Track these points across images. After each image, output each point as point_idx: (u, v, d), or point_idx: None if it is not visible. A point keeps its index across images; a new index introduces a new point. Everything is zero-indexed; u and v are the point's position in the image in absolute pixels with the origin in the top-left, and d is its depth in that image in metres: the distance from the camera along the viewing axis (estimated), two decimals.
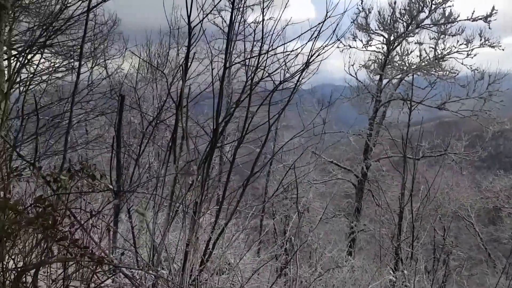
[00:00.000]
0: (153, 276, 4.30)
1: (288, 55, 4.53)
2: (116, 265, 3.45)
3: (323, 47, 4.67)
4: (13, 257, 3.20)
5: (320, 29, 4.67)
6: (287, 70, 5.03)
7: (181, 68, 5.41)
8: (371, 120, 15.67)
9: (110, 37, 11.03)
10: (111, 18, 10.91)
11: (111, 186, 4.25)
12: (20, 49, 8.63)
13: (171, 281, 4.08)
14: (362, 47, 15.83)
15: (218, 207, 5.71)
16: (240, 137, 4.91)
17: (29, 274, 3.53)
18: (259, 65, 4.70)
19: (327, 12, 4.68)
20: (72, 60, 10.02)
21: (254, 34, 5.11)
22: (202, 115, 13.00)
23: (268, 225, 14.34)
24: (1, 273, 3.23)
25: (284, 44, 4.97)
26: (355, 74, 16.03)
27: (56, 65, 9.56)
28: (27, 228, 2.99)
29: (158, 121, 6.08)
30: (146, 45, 12.68)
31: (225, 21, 12.33)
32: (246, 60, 4.74)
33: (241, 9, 5.44)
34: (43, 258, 3.38)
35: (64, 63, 9.78)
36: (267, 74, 4.89)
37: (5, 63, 7.04)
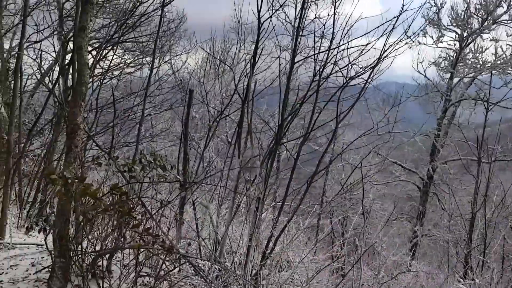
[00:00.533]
0: (217, 268, 4.37)
1: (361, 50, 4.37)
2: (184, 255, 3.53)
3: (397, 42, 4.47)
4: (92, 241, 3.38)
5: (394, 24, 4.48)
6: (350, 66, 4.90)
7: (246, 62, 5.44)
8: (440, 120, 14.88)
9: (176, 34, 11.35)
10: (178, 15, 11.22)
11: (179, 178, 4.37)
12: (95, 45, 9.12)
13: (234, 273, 4.11)
14: (432, 44, 15.07)
15: (280, 203, 5.69)
16: (306, 134, 4.84)
17: (104, 258, 3.72)
18: (328, 60, 4.59)
19: (403, 6, 4.48)
20: (142, 56, 10.46)
21: (324, 29, 5.01)
22: (261, 110, 13.03)
23: (326, 225, 14.10)
24: (80, 256, 3.43)
25: (349, 40, 4.83)
26: (424, 71, 15.31)
27: (127, 61, 10.03)
28: (104, 214, 3.14)
29: (222, 116, 6.14)
30: (210, 41, 12.87)
31: (288, 17, 12.27)
32: (314, 55, 4.65)
33: (309, 4, 5.37)
34: (117, 244, 3.54)
35: (134, 59, 10.23)
36: (335, 70, 4.76)
37: None
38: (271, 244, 5.01)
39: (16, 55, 11.15)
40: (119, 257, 3.94)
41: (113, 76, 9.75)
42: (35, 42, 6.94)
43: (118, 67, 9.00)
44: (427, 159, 15.10)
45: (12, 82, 10.70)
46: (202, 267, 4.33)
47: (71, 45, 8.57)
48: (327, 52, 4.66)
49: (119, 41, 7.39)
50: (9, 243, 4.48)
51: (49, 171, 3.11)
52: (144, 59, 10.18)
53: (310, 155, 6.86)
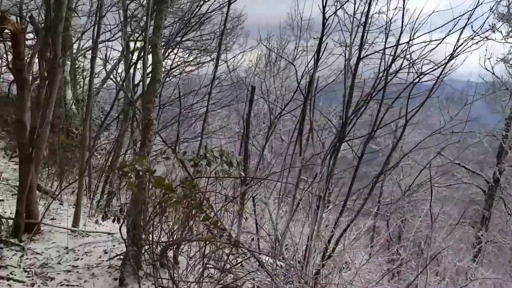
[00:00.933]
0: (278, 264, 4.37)
1: (430, 46, 4.20)
2: (250, 250, 3.56)
3: (472, 38, 4.24)
4: (161, 231, 3.50)
5: (469, 19, 4.26)
6: (412, 62, 4.73)
7: (309, 59, 5.38)
8: (508, 120, 13.93)
9: (234, 33, 11.51)
10: (236, 14, 11.36)
11: (243, 174, 4.42)
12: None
13: (299, 271, 4.09)
14: (501, 39, 14.08)
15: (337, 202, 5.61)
16: (371, 132, 4.72)
17: (171, 248, 3.84)
18: (396, 55, 4.45)
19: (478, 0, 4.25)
20: (201, 55, 10.72)
21: (390, 24, 4.87)
22: (318, 107, 12.90)
23: (382, 227, 13.70)
24: (151, 245, 3.57)
25: (415, 37, 4.67)
26: (492, 68, 14.37)
27: (187, 60, 10.33)
28: (177, 206, 3.23)
29: (282, 113, 6.13)
30: (266, 40, 12.93)
31: (346, 12, 12.01)
32: (383, 50, 4.52)
33: None
34: (184, 235, 3.64)
35: (194, 58, 10.52)
36: (404, 65, 4.61)
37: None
38: (332, 244, 4.95)
39: (83, 54, 11.81)
40: (183, 248, 4.06)
41: (174, 74, 10.07)
42: (106, 40, 7.29)
43: (180, 66, 9.27)
44: (493, 161, 14.19)
45: (80, 80, 11.36)
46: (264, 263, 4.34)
47: (132, 44, 8.97)
48: (396, 47, 4.52)
49: (182, 40, 7.61)
50: (83, 231, 4.75)
51: (121, 164, 3.26)
52: (203, 57, 10.43)
53: (371, 155, 6.67)
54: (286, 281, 4.03)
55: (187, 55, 10.44)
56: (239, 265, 4.05)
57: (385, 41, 4.50)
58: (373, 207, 6.11)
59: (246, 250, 3.92)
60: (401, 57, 4.38)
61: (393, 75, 4.49)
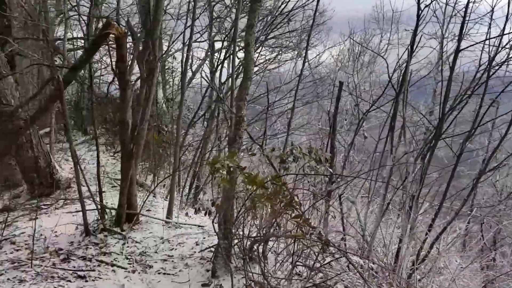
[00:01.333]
0: (368, 266, 4.23)
1: None
2: (341, 250, 3.48)
3: None
4: (251, 226, 3.56)
5: None
6: None
7: (401, 52, 5.14)
8: None
9: (316, 29, 11.37)
10: (318, 10, 11.18)
11: (331, 171, 4.34)
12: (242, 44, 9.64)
13: (393, 273, 3.93)
14: None
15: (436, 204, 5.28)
16: (471, 129, 4.37)
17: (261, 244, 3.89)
18: (501, 46, 4.06)
19: None
20: (281, 52, 10.75)
21: (492, 13, 4.46)
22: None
23: (475, 232, 12.67)
24: (241, 239, 3.64)
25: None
26: None
27: (267, 57, 10.42)
28: (269, 202, 3.26)
29: (371, 109, 5.92)
30: (350, 34, 12.59)
31: (438, 3, 11.27)
32: (486, 41, 4.15)
33: None
34: (273, 231, 3.66)
35: (274, 56, 10.58)
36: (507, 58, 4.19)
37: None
38: (426, 247, 4.68)
39: (172, 55, 12.41)
40: (270, 244, 4.09)
41: (256, 72, 10.21)
42: (195, 41, 7.59)
43: (263, 63, 9.37)
44: None
45: (170, 80, 11.97)
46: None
47: (217, 44, 9.23)
48: (500, 37, 4.13)
49: (267, 39, 7.68)
50: (176, 223, 5.01)
51: (214, 160, 3.35)
52: (284, 55, 10.44)
53: (467, 154, 6.19)
54: (377, 283, 3.89)
55: (270, 53, 10.55)
56: (327, 264, 3.99)
57: (488, 31, 4.12)
58: (468, 209, 5.65)
59: (334, 250, 3.84)
60: (507, 48, 3.98)
61: (498, 67, 4.11)
